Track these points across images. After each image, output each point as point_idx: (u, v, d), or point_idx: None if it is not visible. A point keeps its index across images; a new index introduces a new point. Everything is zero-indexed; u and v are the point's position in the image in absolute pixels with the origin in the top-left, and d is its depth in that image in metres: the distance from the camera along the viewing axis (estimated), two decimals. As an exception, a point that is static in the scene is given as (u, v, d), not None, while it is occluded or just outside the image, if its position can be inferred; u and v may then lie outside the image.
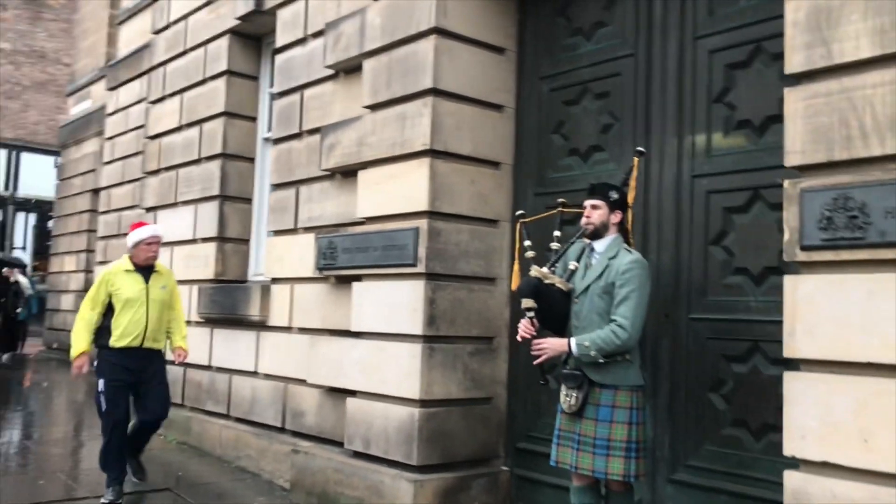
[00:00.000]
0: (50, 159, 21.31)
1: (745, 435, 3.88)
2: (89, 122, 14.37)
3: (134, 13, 11.57)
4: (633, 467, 3.61)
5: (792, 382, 3.06)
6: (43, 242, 21.08)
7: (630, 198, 3.92)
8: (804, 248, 3.05)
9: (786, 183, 3.14)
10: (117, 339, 5.10)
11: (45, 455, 6.73)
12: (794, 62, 3.14)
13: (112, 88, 11.98)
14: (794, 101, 3.13)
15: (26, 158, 26.05)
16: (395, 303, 4.85)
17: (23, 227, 24.95)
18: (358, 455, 5.03)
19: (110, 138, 11.98)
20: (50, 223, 18.18)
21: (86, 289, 13.51)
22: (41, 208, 24.05)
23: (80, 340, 5.14)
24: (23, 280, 15.21)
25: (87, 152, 14.57)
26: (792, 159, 3.13)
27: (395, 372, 4.79)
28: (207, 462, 6.40)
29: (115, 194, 11.75)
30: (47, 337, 16.00)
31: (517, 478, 4.95)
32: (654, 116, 4.37)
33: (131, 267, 5.22)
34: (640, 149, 4.03)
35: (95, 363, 5.19)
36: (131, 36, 11.66)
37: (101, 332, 5.17)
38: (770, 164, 3.72)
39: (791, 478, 3.05)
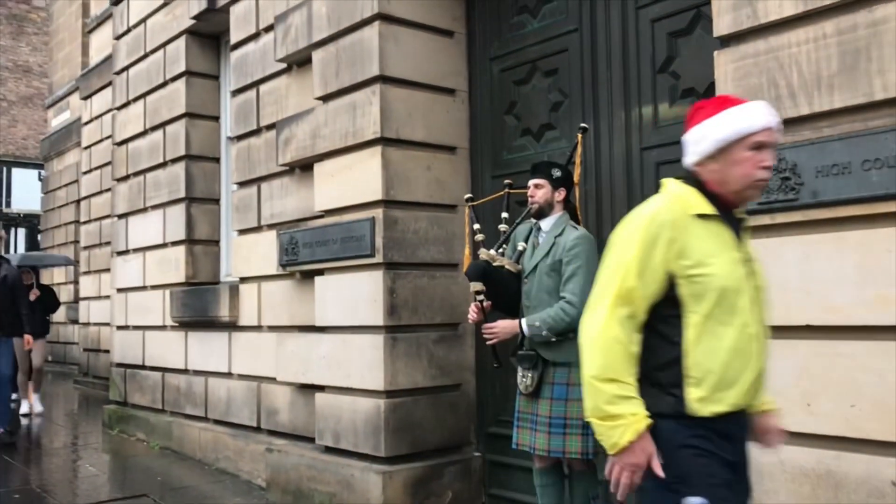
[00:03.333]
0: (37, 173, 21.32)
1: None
2: (69, 133, 14.33)
3: (102, 21, 11.52)
4: (591, 444, 3.56)
5: (736, 350, 3.01)
6: (35, 256, 21.08)
7: (576, 175, 3.86)
8: (741, 214, 2.99)
9: (719, 148, 3.08)
10: (711, 396, 2.05)
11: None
12: (721, 25, 3.09)
13: (85, 98, 11.92)
14: (724, 63, 3.08)
15: (17, 174, 26.15)
16: (357, 295, 4.80)
17: (14, 242, 25.01)
18: (329, 450, 5.00)
19: (87, 148, 11.94)
20: (39, 236, 18.17)
21: (76, 300, 13.47)
22: (30, 222, 24.08)
23: (627, 394, 2.03)
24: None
25: (68, 164, 14.55)
26: (724, 124, 3.06)
27: (360, 364, 4.74)
28: (188, 466, 6.37)
29: (94, 203, 11.70)
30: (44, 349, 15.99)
31: (490, 463, 4.91)
32: (601, 91, 4.31)
33: (711, 208, 2.12)
34: (583, 125, 3.96)
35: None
36: (102, 44, 11.60)
37: (653, 375, 2.12)
38: (716, 131, 3.65)
39: (740, 447, 3.00)
